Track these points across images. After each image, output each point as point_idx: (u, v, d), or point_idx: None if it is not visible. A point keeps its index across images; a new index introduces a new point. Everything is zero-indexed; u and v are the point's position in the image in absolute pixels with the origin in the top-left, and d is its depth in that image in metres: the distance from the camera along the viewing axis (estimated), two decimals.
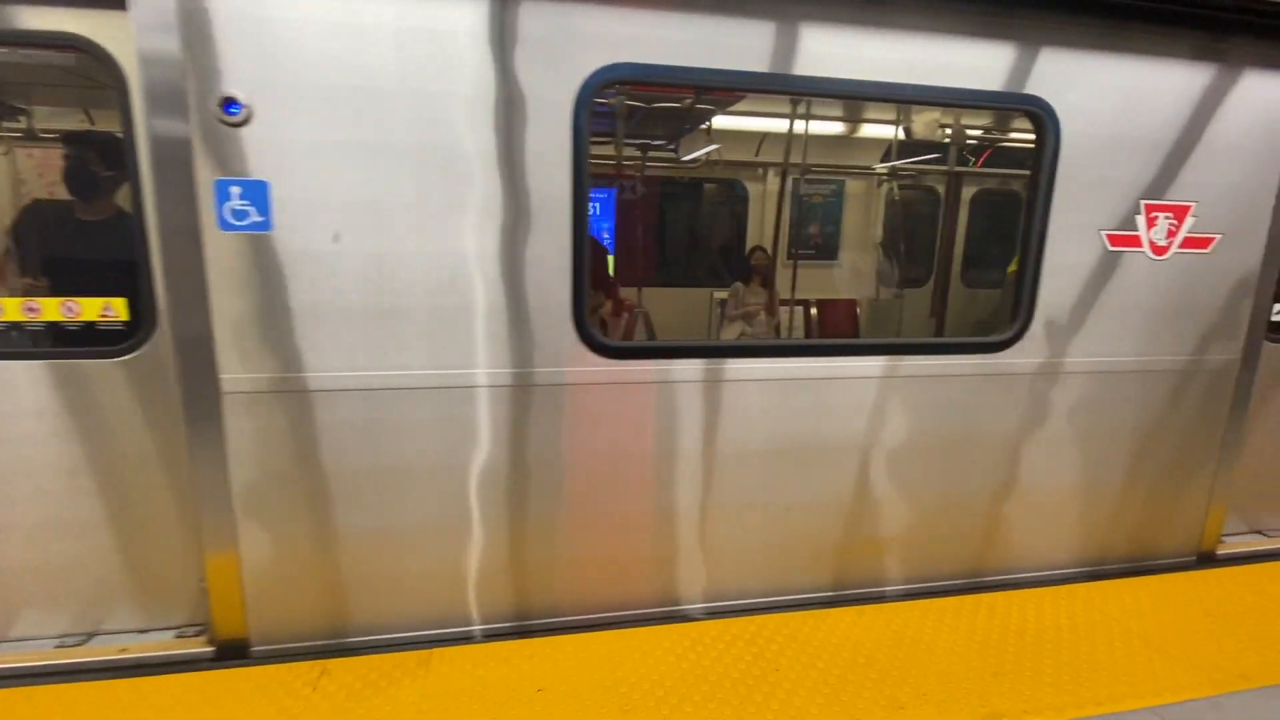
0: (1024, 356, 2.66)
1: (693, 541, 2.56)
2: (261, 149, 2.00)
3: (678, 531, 2.54)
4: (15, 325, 2.13)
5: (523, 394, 2.29)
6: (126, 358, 2.18)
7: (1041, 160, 2.53)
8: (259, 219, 2.03)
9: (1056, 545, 2.95)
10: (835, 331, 6.01)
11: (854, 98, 2.42)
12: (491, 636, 2.44)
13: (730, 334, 5.43)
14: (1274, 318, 3.05)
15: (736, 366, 2.45)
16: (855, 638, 2.45)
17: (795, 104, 4.55)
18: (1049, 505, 2.88)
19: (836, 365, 2.54)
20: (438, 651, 2.31)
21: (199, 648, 2.29)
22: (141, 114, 1.94)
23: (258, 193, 2.02)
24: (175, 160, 1.96)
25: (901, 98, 2.42)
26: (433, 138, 2.07)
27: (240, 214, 2.02)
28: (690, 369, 2.40)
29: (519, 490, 2.36)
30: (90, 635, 2.35)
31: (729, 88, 2.18)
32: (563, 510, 2.42)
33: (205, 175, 1.98)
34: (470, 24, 2.03)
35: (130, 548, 2.32)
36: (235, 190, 2.01)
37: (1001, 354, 2.65)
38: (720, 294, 5.71)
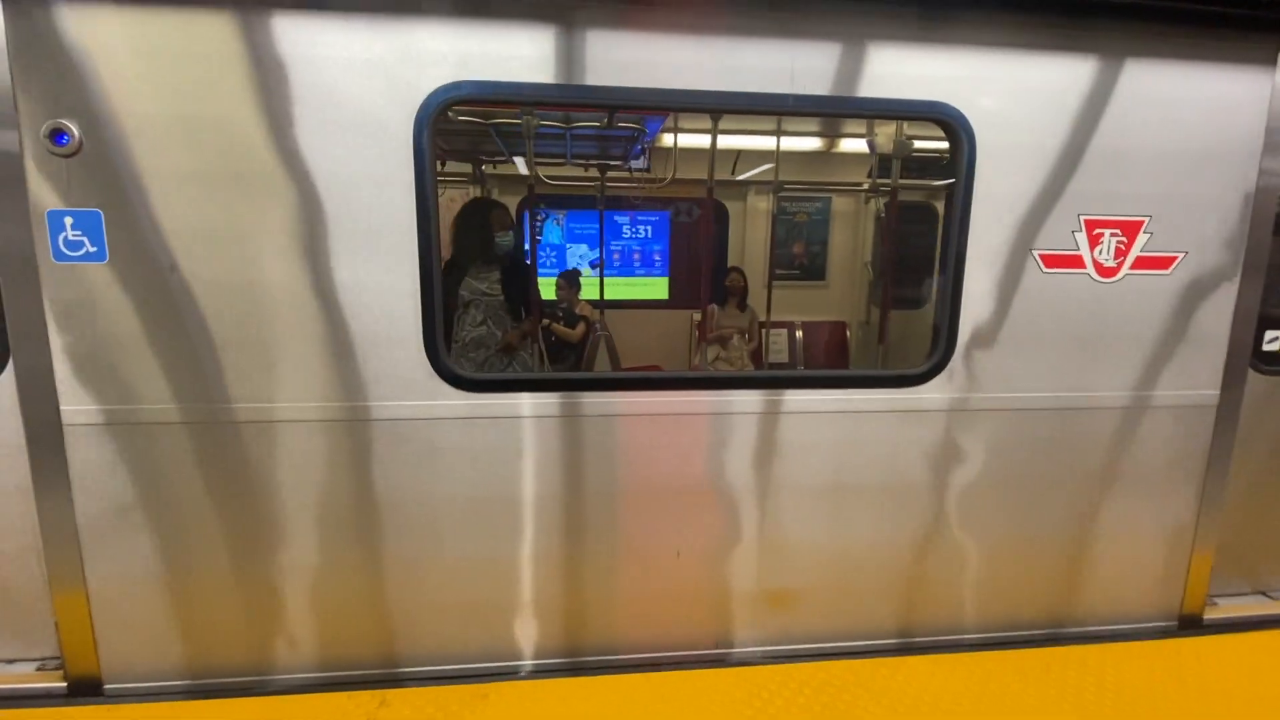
0: (941, 391, 2.37)
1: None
2: (96, 179, 1.97)
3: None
4: None
5: (362, 428, 2.18)
6: None
7: (956, 173, 2.28)
8: (93, 249, 2.01)
9: (996, 604, 2.61)
10: (823, 355, 5.71)
11: (721, 111, 2.24)
12: (333, 685, 2.31)
13: (708, 357, 5.22)
14: (1266, 346, 2.65)
15: (599, 401, 2.28)
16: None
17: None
18: (989, 557, 2.56)
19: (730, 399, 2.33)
20: (495, 686, 2.29)
21: (53, 683, 2.25)
22: None
23: (91, 223, 1.99)
24: (10, 190, 1.96)
25: (784, 110, 2.22)
26: (257, 164, 2.01)
27: (74, 244, 2.00)
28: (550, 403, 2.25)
29: (361, 527, 2.24)
30: None
31: (569, 104, 2.05)
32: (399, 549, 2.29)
33: (39, 205, 1.97)
34: (299, 47, 1.97)
35: (12, 571, 2.32)
36: (69, 221, 1.99)
37: (917, 389, 2.38)
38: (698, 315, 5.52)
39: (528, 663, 2.41)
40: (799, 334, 5.70)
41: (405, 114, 2.02)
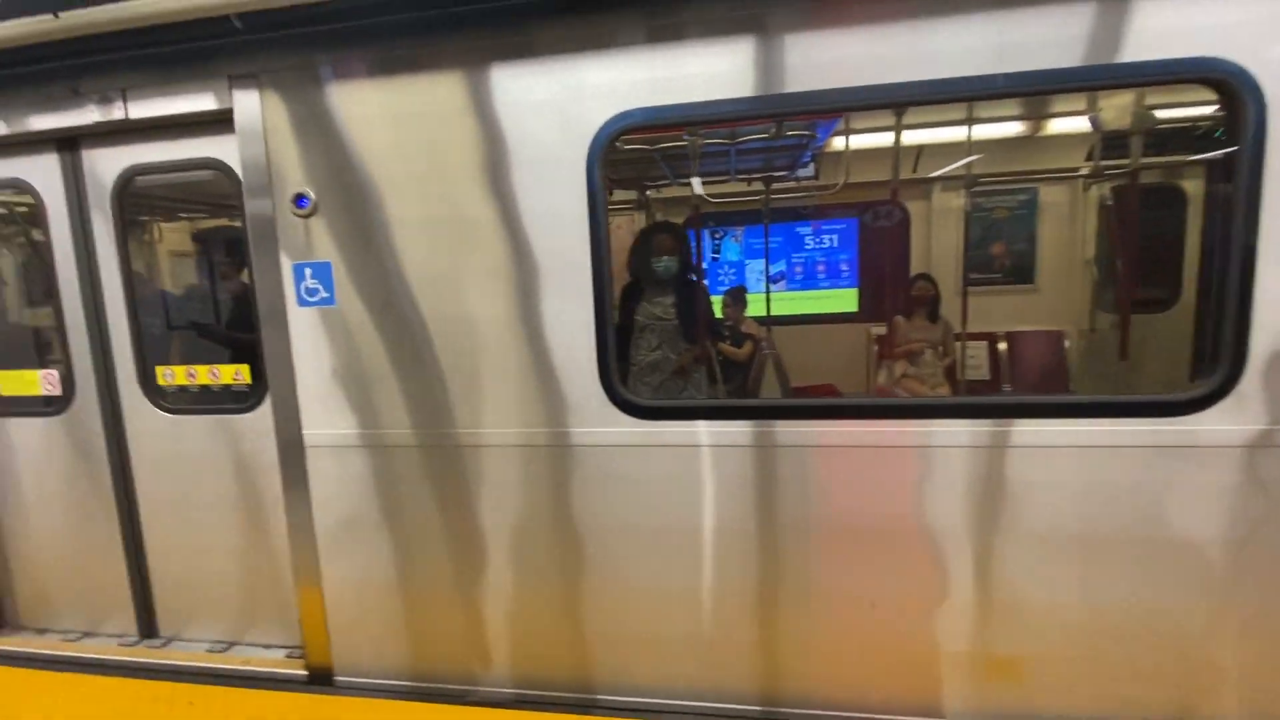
0: (1225, 422, 1.86)
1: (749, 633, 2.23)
2: (327, 233, 2.28)
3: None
4: (183, 389, 2.70)
5: (552, 454, 2.24)
6: (249, 415, 2.62)
7: (1238, 143, 1.79)
8: (325, 295, 2.31)
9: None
10: (1034, 371, 4.92)
11: (922, 102, 1.97)
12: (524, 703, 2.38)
13: (894, 375, 4.77)
14: None
15: (785, 430, 2.10)
16: None
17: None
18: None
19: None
20: None
21: (296, 670, 2.60)
22: (248, 214, 2.34)
23: (324, 273, 2.30)
24: (267, 248, 2.33)
25: (996, 92, 1.90)
26: (462, 208, 2.17)
27: (312, 291, 2.32)
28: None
29: (552, 551, 2.30)
30: (231, 644, 2.82)
31: (743, 118, 1.93)
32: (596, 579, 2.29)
33: (287, 260, 2.33)
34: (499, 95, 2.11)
35: (265, 571, 2.75)
36: (308, 271, 2.32)
37: (1189, 418, 1.89)
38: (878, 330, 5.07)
39: (703, 704, 2.30)
40: (1002, 346, 4.97)
41: (579, 149, 2.07)
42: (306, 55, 2.22)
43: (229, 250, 2.76)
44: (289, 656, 2.71)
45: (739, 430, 2.12)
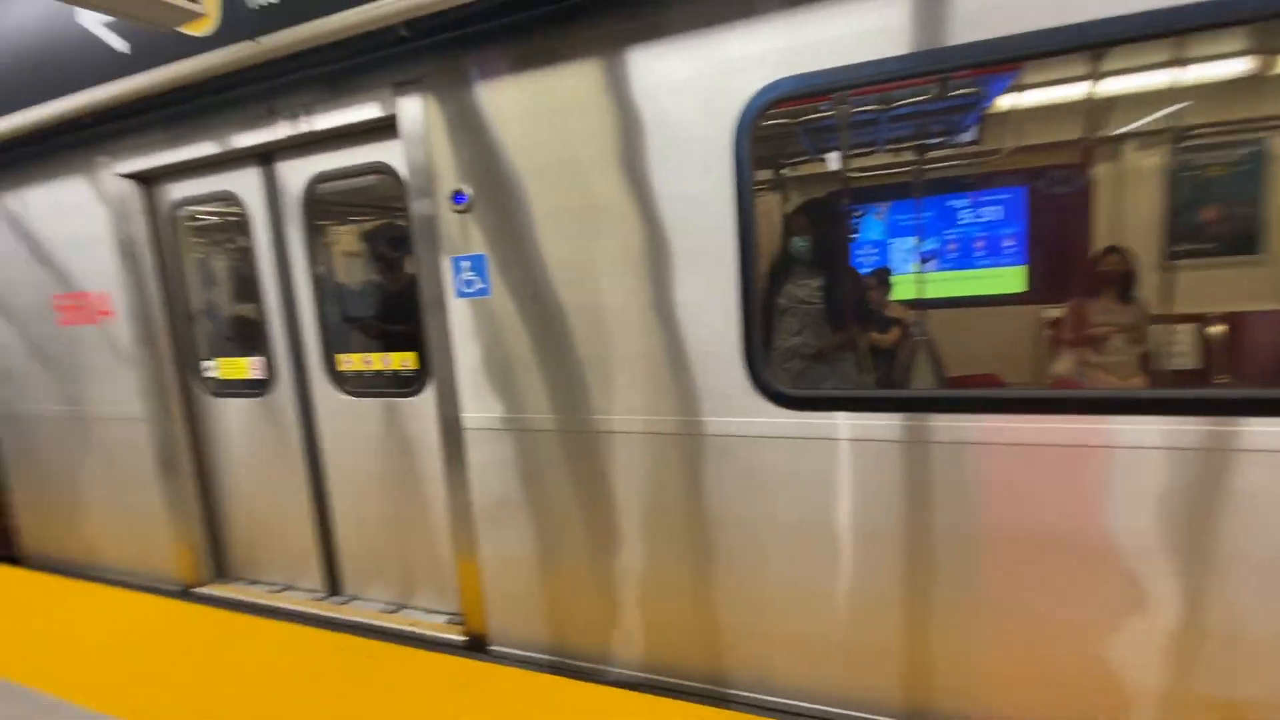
0: None
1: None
2: (482, 226, 2.39)
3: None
4: (359, 374, 2.99)
5: (692, 443, 2.19)
6: (415, 399, 2.83)
7: None
8: (481, 286, 2.43)
9: None
10: (1261, 356, 4.10)
11: (1143, 38, 1.63)
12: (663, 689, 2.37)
13: (1066, 366, 4.20)
14: None
15: (954, 425, 1.89)
16: None
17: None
18: None
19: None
20: None
21: (456, 635, 2.80)
22: (413, 212, 2.51)
23: (479, 265, 2.42)
24: (429, 243, 2.49)
25: (1249, 14, 1.55)
26: (608, 195, 2.18)
27: (469, 283, 2.45)
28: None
29: (688, 539, 2.26)
30: (401, 607, 3.10)
31: (908, 76, 1.69)
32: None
33: (446, 253, 2.47)
34: (638, 79, 2.09)
35: (429, 543, 2.99)
36: (465, 264, 2.44)
37: None
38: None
39: (841, 712, 2.15)
40: (1215, 329, 4.19)
41: (722, 126, 1.98)
42: (457, 57, 2.32)
43: (394, 247, 3.00)
44: (449, 622, 2.93)
45: (905, 424, 1.94)
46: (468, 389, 2.53)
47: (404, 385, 2.88)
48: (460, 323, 2.49)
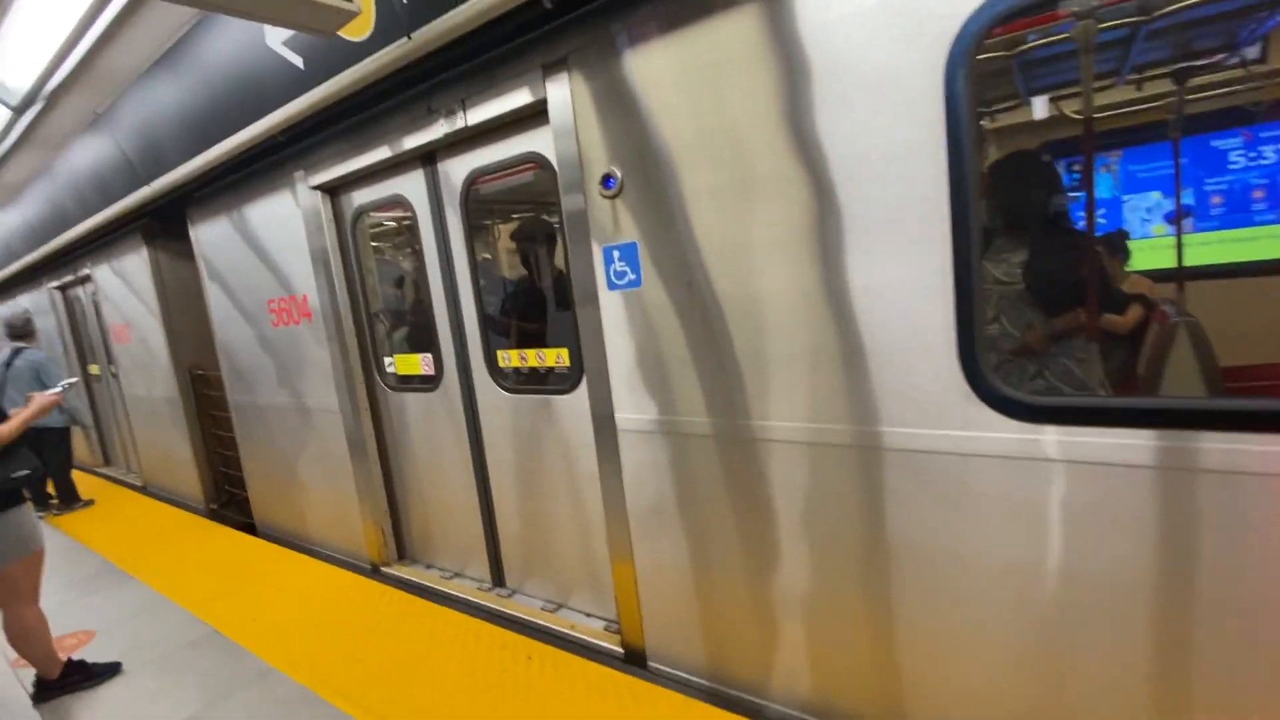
0: None
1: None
2: (633, 212, 2.17)
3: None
4: (516, 370, 2.95)
5: (873, 457, 1.80)
6: (569, 395, 2.72)
7: None
8: (633, 277, 2.22)
9: None
10: None
11: None
12: None
13: None
14: None
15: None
16: None
17: None
18: None
19: None
20: None
21: (613, 645, 2.67)
22: (562, 200, 2.37)
23: (630, 254, 2.21)
24: (580, 232, 2.33)
25: None
26: (770, 162, 1.85)
27: (620, 274, 2.25)
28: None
29: (864, 570, 1.87)
30: (559, 606, 3.05)
31: None
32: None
33: (597, 243, 2.29)
34: (808, 14, 1.72)
35: (585, 544, 2.90)
36: (616, 254, 2.25)
37: None
38: None
39: None
40: None
41: (930, 58, 1.55)
42: (603, 26, 2.12)
43: (546, 241, 2.92)
44: (606, 628, 2.81)
45: (1169, 445, 1.41)
46: (621, 387, 2.35)
47: (559, 382, 2.79)
48: (612, 317, 2.32)
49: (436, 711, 2.43)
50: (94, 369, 7.18)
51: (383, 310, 3.67)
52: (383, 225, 3.70)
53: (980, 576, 1.71)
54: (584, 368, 2.53)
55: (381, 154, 3.02)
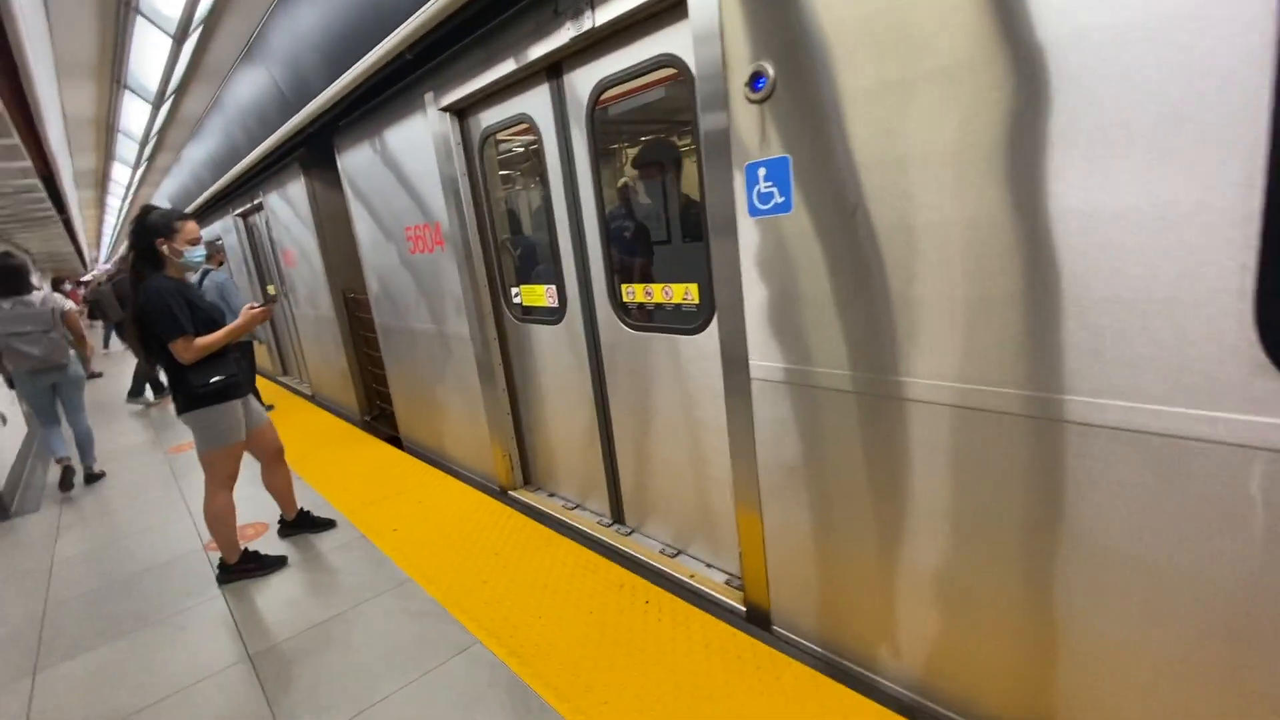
0: None
1: None
2: (784, 120, 1.81)
3: None
4: (641, 306, 2.74)
5: (1076, 433, 1.39)
6: (698, 336, 2.48)
7: None
8: (780, 200, 1.88)
9: None
10: None
11: None
12: None
13: None
14: None
15: None
16: None
17: None
18: None
19: None
20: None
21: (735, 602, 2.51)
22: (700, 109, 2.05)
23: (780, 171, 1.86)
24: (719, 147, 2.01)
25: None
26: (963, 45, 1.40)
27: (765, 197, 1.92)
28: None
29: (1031, 562, 1.49)
30: (679, 552, 2.93)
31: None
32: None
33: (739, 160, 1.96)
34: None
35: (709, 493, 2.72)
36: (761, 172, 1.91)
37: None
38: None
39: None
40: None
41: None
42: None
43: (677, 163, 2.61)
44: (728, 583, 2.66)
45: None
46: (757, 330, 2.07)
47: (686, 321, 2.54)
48: (751, 248, 2.00)
49: (553, 647, 2.43)
50: (271, 289, 8.02)
51: (510, 239, 3.59)
52: (511, 151, 3.56)
53: (1203, 595, 1.30)
54: (715, 306, 2.26)
55: (507, 67, 2.82)
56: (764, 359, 2.07)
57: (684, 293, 2.51)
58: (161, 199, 10.88)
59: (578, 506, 3.53)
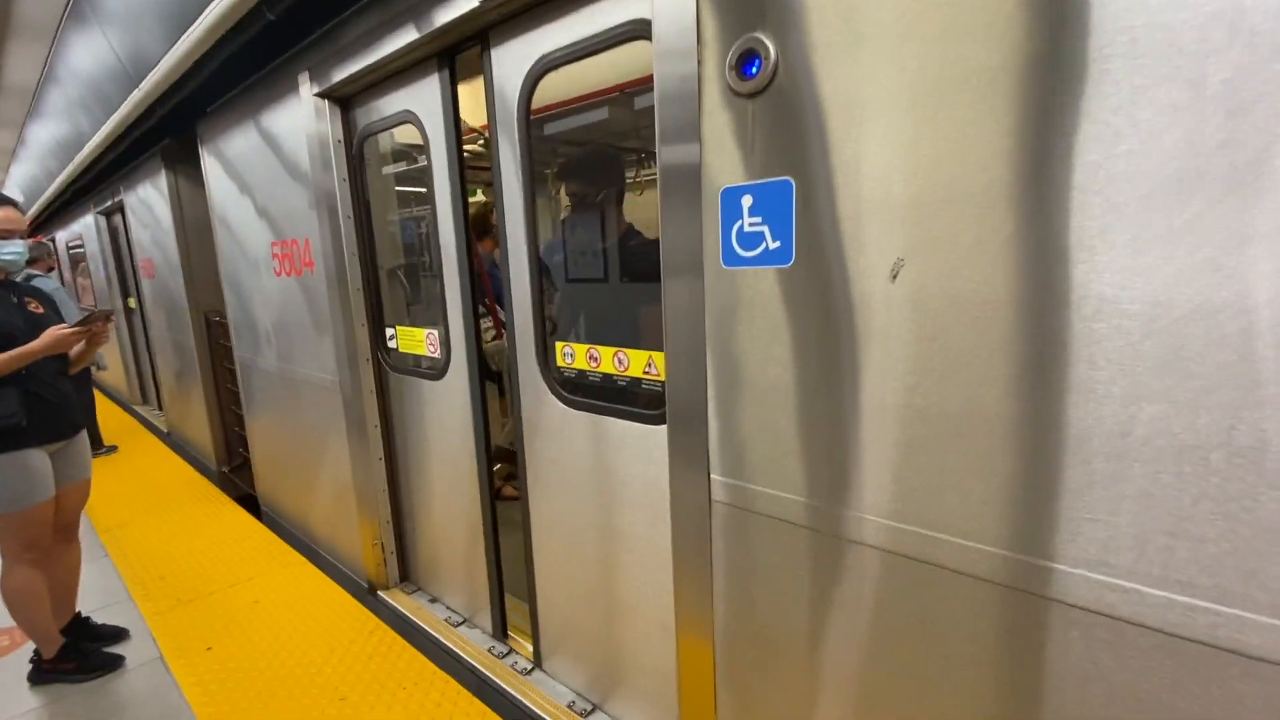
0: None
1: None
2: (788, 125, 1.17)
3: None
4: (580, 374, 2.01)
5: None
6: (660, 426, 1.76)
7: None
8: (774, 246, 1.22)
9: None
10: None
11: None
12: None
13: None
14: None
15: None
16: None
17: None
18: None
19: None
20: None
21: None
22: (659, 98, 1.37)
23: (776, 202, 1.20)
24: (681, 168, 1.34)
25: None
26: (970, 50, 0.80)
27: (751, 239, 1.26)
28: None
29: None
30: (594, 709, 2.15)
31: None
32: None
33: (712, 183, 1.30)
34: None
35: (650, 637, 1.98)
36: (746, 202, 1.25)
37: None
38: None
39: None
40: None
41: None
42: None
43: (612, 185, 1.94)
44: None
45: None
46: (726, 435, 1.38)
47: (646, 406, 1.79)
48: (724, 314, 1.33)
49: None
50: (132, 303, 6.77)
51: (402, 267, 2.80)
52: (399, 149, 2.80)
53: None
54: (664, 388, 1.56)
55: (404, 38, 2.08)
56: (734, 476, 1.38)
57: (646, 363, 1.79)
58: (12, 188, 9.32)
59: (464, 622, 2.68)
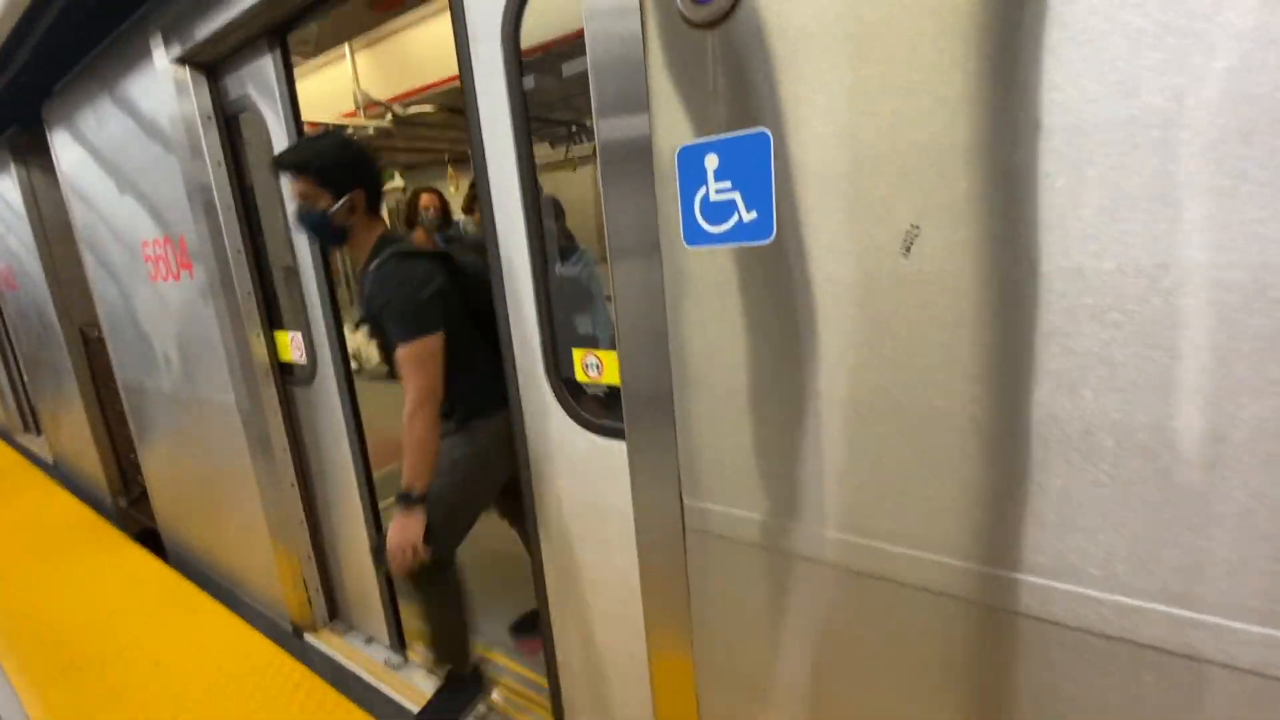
0: None
1: None
2: (761, 60, 0.91)
3: None
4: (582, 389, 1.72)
5: None
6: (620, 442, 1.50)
7: None
8: (750, 217, 0.97)
9: None
10: None
11: None
12: None
13: None
14: None
15: None
16: None
17: None
18: None
19: None
20: None
21: None
22: (589, 31, 1.08)
23: (749, 161, 0.95)
24: (626, 123, 1.07)
25: None
26: None
27: (719, 210, 1.00)
28: None
29: None
30: None
31: None
32: None
33: (667, 141, 1.03)
34: None
35: (603, 670, 1.74)
36: (712, 162, 0.99)
37: None
38: None
39: None
40: None
41: None
42: None
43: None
44: None
45: None
46: (696, 451, 1.14)
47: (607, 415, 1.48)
48: (687, 302, 1.08)
49: None
50: None
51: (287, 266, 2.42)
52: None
53: None
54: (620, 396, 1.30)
55: None
56: (707, 499, 1.15)
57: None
58: None
59: (406, 665, 2.37)
